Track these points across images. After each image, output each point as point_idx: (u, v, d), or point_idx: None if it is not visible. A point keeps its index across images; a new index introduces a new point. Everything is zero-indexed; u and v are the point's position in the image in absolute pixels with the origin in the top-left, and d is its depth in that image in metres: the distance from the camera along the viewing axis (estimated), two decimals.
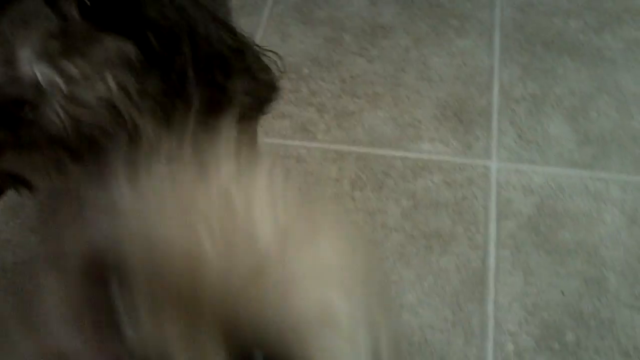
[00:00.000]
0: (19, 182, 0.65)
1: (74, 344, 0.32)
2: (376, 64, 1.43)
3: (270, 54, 0.76)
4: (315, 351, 0.34)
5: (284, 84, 1.39)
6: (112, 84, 0.53)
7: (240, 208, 0.34)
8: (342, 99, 1.37)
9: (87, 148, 0.55)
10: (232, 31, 0.69)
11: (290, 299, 0.33)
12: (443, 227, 1.18)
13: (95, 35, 0.55)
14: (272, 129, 1.31)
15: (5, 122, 0.50)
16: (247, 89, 0.71)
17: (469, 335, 1.07)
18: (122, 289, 0.32)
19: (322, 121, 1.33)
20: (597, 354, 1.04)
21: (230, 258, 0.33)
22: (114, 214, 0.34)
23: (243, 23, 1.47)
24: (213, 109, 0.65)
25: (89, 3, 0.55)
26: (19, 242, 1.19)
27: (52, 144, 0.53)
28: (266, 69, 0.74)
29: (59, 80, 0.50)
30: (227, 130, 0.39)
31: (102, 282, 0.33)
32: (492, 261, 1.15)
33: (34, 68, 0.49)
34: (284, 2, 1.55)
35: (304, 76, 1.40)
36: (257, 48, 0.74)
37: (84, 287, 0.34)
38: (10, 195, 1.24)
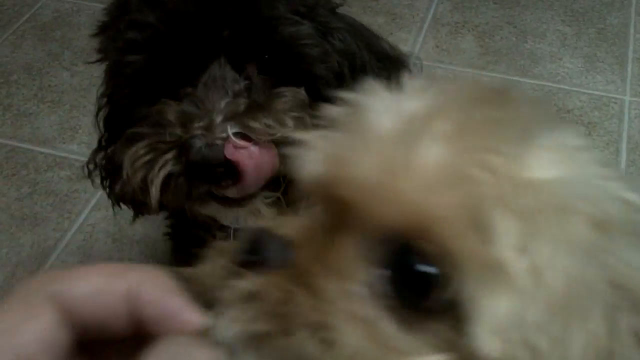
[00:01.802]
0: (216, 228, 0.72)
1: None
2: None
3: None
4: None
5: None
6: (290, 123, 0.60)
7: None
8: None
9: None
10: None
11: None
12: None
13: (274, 89, 0.63)
14: None
15: (207, 178, 0.58)
16: None
17: None
18: None
19: None
20: None
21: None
22: None
23: None
24: None
25: (268, 61, 0.64)
26: None
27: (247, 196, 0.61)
28: None
29: (249, 135, 0.57)
30: None
31: None
32: None
33: (226, 130, 0.57)
34: None
35: None
36: None
37: None
38: (136, 255, 1.29)
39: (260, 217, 0.57)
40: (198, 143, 0.57)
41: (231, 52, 0.62)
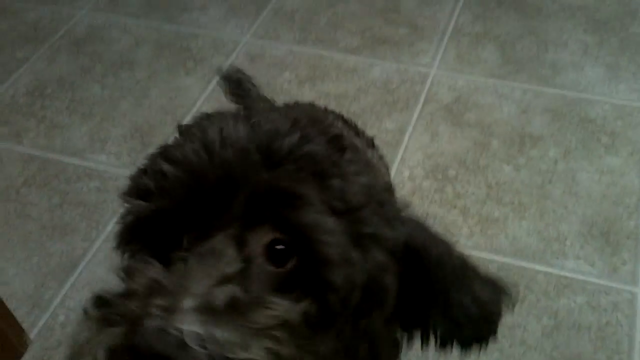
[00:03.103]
0: None
1: None
2: (523, 173, 1.38)
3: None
4: None
5: (430, 183, 1.37)
6: (260, 353, 0.47)
7: None
8: (487, 205, 1.33)
9: None
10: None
11: None
12: (584, 352, 1.11)
13: (266, 297, 0.50)
14: None
15: None
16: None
17: None
18: None
19: (465, 225, 1.30)
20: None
21: None
22: None
23: (394, 118, 1.49)
24: None
25: (278, 247, 0.52)
26: None
27: None
28: None
29: (208, 342, 0.45)
30: None
31: None
32: None
33: (187, 324, 0.46)
34: (436, 101, 1.54)
35: (450, 178, 1.38)
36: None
37: None
38: None
39: None
40: (149, 325, 0.45)
41: (241, 225, 0.52)
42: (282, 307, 0.50)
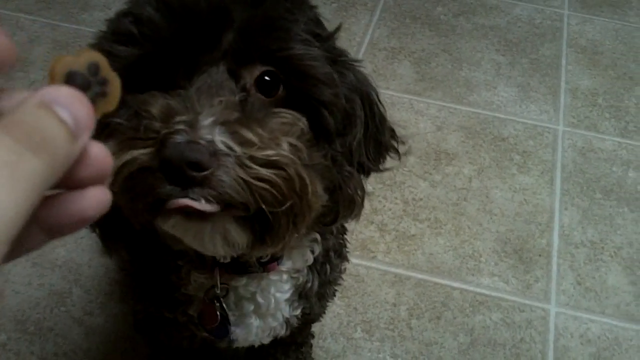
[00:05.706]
0: (181, 248, 0.64)
1: None
2: (439, 190, 1.45)
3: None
4: None
5: None
6: (286, 147, 0.55)
7: None
8: (404, 221, 1.39)
9: (258, 212, 0.55)
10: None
11: None
12: None
13: (272, 108, 0.59)
14: None
15: (178, 181, 0.52)
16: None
17: None
18: None
19: (382, 241, 1.35)
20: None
21: None
22: None
23: None
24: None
25: (267, 78, 0.60)
26: (62, 332, 1.18)
27: (222, 209, 0.53)
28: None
29: (234, 144, 0.52)
30: None
31: None
32: None
33: (213, 134, 0.51)
34: None
35: (367, 193, 1.42)
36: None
37: None
38: (58, 281, 1.24)
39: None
40: (178, 139, 0.50)
41: (233, 59, 0.58)
42: (292, 115, 0.58)
